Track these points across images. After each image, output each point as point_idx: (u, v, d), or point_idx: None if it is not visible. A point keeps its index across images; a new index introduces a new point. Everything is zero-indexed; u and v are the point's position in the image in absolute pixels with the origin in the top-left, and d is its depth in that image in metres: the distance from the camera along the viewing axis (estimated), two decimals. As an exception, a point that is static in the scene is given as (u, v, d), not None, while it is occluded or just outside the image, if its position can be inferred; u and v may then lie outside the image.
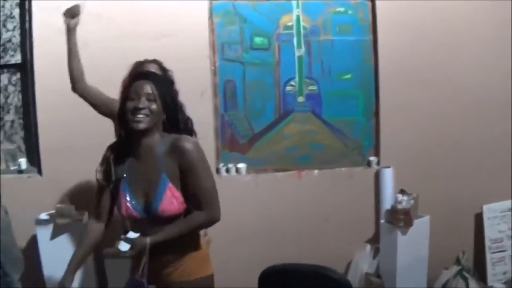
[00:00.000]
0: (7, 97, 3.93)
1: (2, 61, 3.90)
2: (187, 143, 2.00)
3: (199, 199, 2.01)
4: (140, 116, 1.99)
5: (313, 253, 3.62)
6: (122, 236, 2.03)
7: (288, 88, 3.75)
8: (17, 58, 3.87)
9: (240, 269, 3.58)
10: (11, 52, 3.92)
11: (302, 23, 3.76)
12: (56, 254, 3.14)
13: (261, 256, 3.44)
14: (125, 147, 2.10)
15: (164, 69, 2.95)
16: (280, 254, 3.35)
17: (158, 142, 2.03)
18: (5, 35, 3.92)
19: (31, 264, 3.41)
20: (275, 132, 3.72)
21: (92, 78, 3.83)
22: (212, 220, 2.06)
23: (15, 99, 3.93)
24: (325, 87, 3.78)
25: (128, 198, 2.04)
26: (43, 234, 3.42)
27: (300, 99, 3.76)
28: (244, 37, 3.70)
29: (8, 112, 3.95)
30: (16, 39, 3.90)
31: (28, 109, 3.83)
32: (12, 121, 3.96)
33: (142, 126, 1.99)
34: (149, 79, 2.07)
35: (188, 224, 2.04)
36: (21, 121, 3.92)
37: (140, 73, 2.32)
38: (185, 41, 3.63)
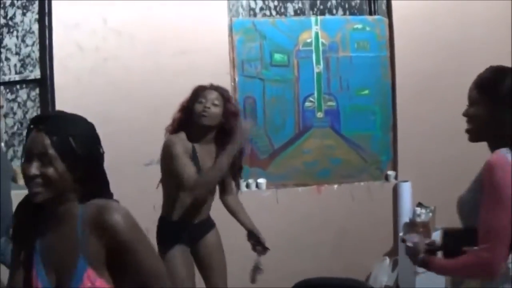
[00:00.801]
0: (25, 112, 3.94)
1: (21, 76, 3.92)
2: (114, 215, 1.44)
3: (145, 283, 1.50)
4: (33, 186, 1.42)
5: (333, 266, 3.66)
6: None
7: (307, 104, 3.78)
8: (36, 74, 3.87)
9: (262, 283, 3.60)
10: (30, 68, 3.93)
11: (321, 40, 3.80)
12: None
13: (282, 269, 3.48)
14: (35, 210, 1.53)
15: (227, 99, 2.79)
16: (301, 268, 3.38)
17: (77, 213, 1.47)
18: (24, 50, 3.93)
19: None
20: (294, 147, 3.74)
21: (110, 94, 3.85)
22: None
23: (34, 114, 3.94)
24: (343, 102, 3.82)
25: (39, 278, 1.50)
26: None
27: (319, 114, 3.79)
28: (264, 54, 3.73)
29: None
30: (35, 54, 3.91)
31: (47, 124, 3.84)
32: (32, 137, 3.98)
33: (39, 198, 1.43)
34: (42, 130, 1.43)
35: None
36: (40, 136, 3.94)
37: (32, 119, 1.54)
38: (206, 58, 3.66)
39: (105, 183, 1.57)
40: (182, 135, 2.75)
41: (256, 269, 2.93)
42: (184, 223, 2.83)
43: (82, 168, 1.46)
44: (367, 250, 3.83)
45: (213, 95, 2.75)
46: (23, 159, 1.44)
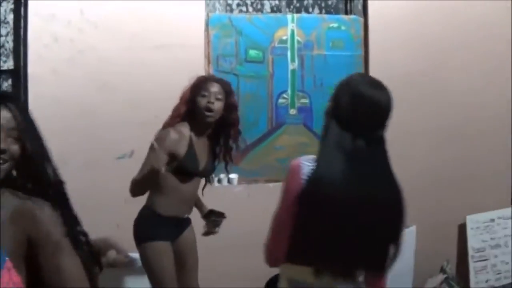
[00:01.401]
0: (-2, 103, 3.93)
1: (-5, 67, 3.90)
2: (39, 207, 1.40)
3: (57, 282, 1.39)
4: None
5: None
6: None
7: (281, 100, 3.82)
8: (9, 64, 3.85)
9: (237, 279, 3.64)
10: (3, 58, 3.90)
11: (296, 37, 3.83)
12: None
13: (255, 265, 3.49)
14: None
15: (229, 92, 2.81)
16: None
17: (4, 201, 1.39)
18: (-2, 40, 3.92)
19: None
20: (267, 143, 3.78)
21: (87, 85, 3.84)
22: None
23: (8, 105, 3.92)
24: (316, 100, 3.85)
25: None
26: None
27: (292, 111, 3.83)
28: (239, 50, 3.76)
29: (-1, 117, 3.94)
30: (9, 44, 3.89)
31: (20, 115, 3.82)
32: (4, 127, 3.95)
33: (2, 175, 1.38)
34: (8, 105, 1.42)
35: None
36: (12, 126, 3.91)
37: None
38: (182, 52, 3.68)
39: (43, 182, 1.47)
40: (184, 128, 2.77)
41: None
42: (171, 218, 2.84)
43: (32, 155, 1.42)
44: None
45: (216, 89, 2.76)
46: None
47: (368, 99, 1.83)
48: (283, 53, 3.82)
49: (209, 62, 3.72)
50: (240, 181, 3.73)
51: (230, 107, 2.82)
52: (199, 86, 2.79)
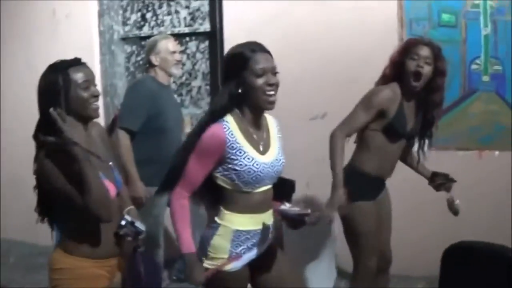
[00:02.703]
0: (194, 64, 4.14)
1: (191, 29, 4.10)
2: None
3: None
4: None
5: (489, 235, 3.56)
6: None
7: (474, 66, 3.70)
8: (205, 27, 4.04)
9: (419, 247, 3.62)
10: (199, 21, 4.11)
11: (488, 2, 3.67)
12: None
13: (438, 235, 3.46)
14: None
15: (438, 56, 2.73)
16: (456, 234, 3.34)
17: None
18: (194, 4, 4.11)
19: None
20: (459, 110, 3.68)
21: (282, 48, 3.79)
22: None
23: (203, 66, 4.12)
24: (510, 67, 3.68)
25: None
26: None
27: (485, 78, 3.70)
28: (431, 14, 3.68)
29: (195, 78, 4.16)
30: (205, 8, 4.08)
31: (215, 75, 4.00)
32: (199, 87, 4.17)
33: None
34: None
35: None
36: (207, 87, 4.12)
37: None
38: (375, 15, 3.68)
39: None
40: (396, 88, 2.75)
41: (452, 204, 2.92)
42: (377, 178, 2.85)
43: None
44: (523, 221, 3.73)
45: (426, 52, 2.69)
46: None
47: None
48: (476, 18, 3.69)
49: (402, 26, 3.68)
50: (429, 147, 3.67)
51: (439, 71, 2.73)
52: (409, 49, 2.73)
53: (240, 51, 2.02)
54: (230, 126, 2.00)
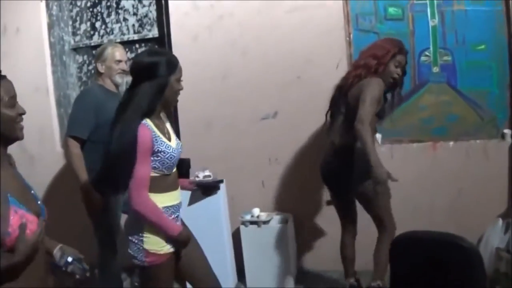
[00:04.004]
0: (145, 70, 4.09)
1: (140, 36, 4.06)
2: None
3: None
4: None
5: (444, 225, 3.57)
6: None
7: (423, 58, 3.70)
8: (154, 33, 4.01)
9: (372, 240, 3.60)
10: (148, 27, 4.07)
11: (435, -7, 3.69)
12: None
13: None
14: None
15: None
16: (412, 225, 3.32)
17: None
18: (142, 10, 4.08)
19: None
20: (410, 102, 3.68)
21: (227, 50, 3.89)
22: None
23: (153, 72, 4.07)
24: (459, 57, 3.68)
25: None
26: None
27: (435, 69, 3.70)
28: (378, 8, 3.67)
29: (146, 84, 4.11)
30: (153, 14, 4.05)
31: (165, 81, 3.96)
32: (151, 94, 4.12)
33: None
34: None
35: None
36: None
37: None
38: (320, 13, 3.66)
39: None
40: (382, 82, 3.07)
41: None
42: None
43: None
44: (480, 210, 3.71)
45: (404, 62, 3.13)
46: None
47: None
48: (423, 10, 3.69)
49: (348, 22, 3.67)
50: (383, 141, 3.68)
51: (404, 72, 3.19)
52: (396, 54, 3.08)
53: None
54: (148, 123, 2.28)
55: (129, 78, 2.81)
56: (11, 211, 1.65)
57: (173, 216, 2.38)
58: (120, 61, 3.29)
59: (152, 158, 2.26)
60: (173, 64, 2.30)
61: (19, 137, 1.77)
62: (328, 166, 3.14)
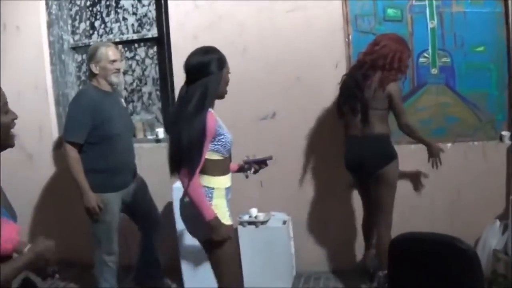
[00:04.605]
0: (144, 70, 4.10)
1: (139, 35, 4.06)
2: None
3: None
4: None
5: (443, 226, 3.56)
6: None
7: (422, 59, 3.71)
8: (153, 32, 4.00)
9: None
10: (147, 27, 4.07)
11: (434, -6, 3.69)
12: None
13: (393, 227, 3.46)
14: None
15: None
16: (410, 226, 3.33)
17: None
18: (141, 10, 4.08)
19: (167, 225, 3.67)
20: (409, 104, 3.68)
21: (227, 51, 3.85)
22: None
23: (152, 71, 4.08)
24: (458, 59, 3.69)
25: None
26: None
27: (434, 71, 3.71)
28: (377, 9, 3.68)
29: (145, 84, 4.11)
30: (152, 14, 4.04)
31: (165, 81, 3.97)
32: (150, 93, 4.13)
33: None
34: None
35: None
36: (158, 93, 4.08)
37: None
38: (319, 14, 3.67)
39: None
40: None
41: None
42: None
43: None
44: (478, 211, 3.72)
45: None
46: None
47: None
48: (422, 11, 3.70)
49: (347, 23, 3.67)
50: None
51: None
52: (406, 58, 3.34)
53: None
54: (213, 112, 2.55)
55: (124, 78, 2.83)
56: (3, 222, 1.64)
57: (229, 197, 2.62)
58: (114, 60, 3.27)
59: (215, 143, 2.51)
60: (223, 59, 2.59)
61: (12, 145, 1.73)
62: (355, 154, 3.34)
